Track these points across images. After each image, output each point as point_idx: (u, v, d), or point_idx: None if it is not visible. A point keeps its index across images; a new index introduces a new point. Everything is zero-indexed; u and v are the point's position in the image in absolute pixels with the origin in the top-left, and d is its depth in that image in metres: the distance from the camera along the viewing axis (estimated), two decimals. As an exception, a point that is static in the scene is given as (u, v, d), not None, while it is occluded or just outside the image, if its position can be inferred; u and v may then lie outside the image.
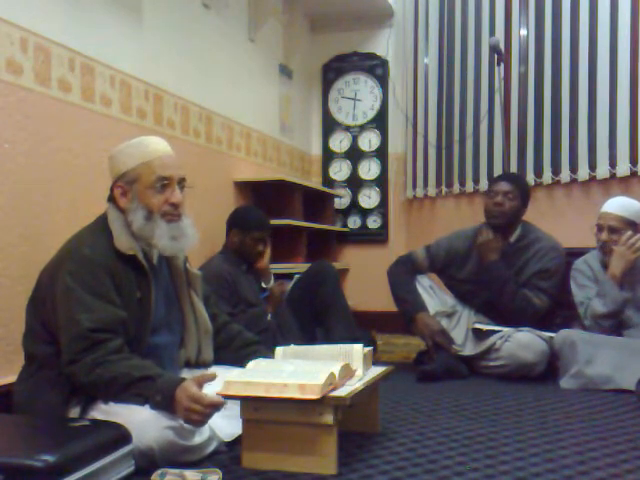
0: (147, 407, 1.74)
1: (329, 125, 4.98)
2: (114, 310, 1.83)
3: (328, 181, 4.96)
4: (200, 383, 1.74)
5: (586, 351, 2.78)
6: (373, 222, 4.87)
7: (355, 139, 4.91)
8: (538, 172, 3.99)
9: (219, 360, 2.20)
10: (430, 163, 4.56)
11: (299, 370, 1.75)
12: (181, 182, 2.01)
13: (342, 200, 4.90)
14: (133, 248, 1.93)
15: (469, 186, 4.31)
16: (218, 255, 3.15)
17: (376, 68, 4.87)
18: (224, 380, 1.74)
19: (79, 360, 1.76)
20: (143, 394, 1.74)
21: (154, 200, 1.95)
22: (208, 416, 1.72)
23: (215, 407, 1.70)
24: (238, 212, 3.24)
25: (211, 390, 1.94)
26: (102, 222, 1.98)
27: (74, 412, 1.81)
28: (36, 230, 2.29)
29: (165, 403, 1.72)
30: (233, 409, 1.86)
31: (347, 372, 1.85)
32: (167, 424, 1.71)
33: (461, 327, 3.17)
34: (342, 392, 1.72)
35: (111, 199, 2.01)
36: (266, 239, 3.19)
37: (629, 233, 2.91)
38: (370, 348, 2.08)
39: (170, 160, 2.00)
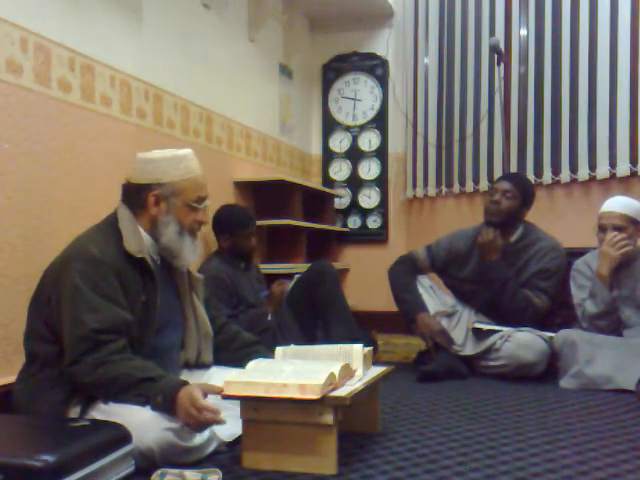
0: (148, 408, 1.74)
1: (329, 125, 4.98)
2: (120, 312, 1.83)
3: (328, 181, 4.96)
4: (205, 392, 1.74)
5: (586, 351, 2.78)
6: (373, 222, 4.87)
7: (355, 139, 4.91)
8: (538, 172, 3.99)
9: (219, 361, 2.20)
10: (430, 163, 4.56)
11: (299, 370, 1.75)
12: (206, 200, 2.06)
13: (342, 200, 4.90)
14: (142, 252, 1.93)
15: (469, 186, 4.31)
16: (215, 256, 3.15)
17: (376, 68, 4.87)
18: (224, 380, 1.74)
19: (81, 361, 1.76)
20: (144, 395, 1.74)
21: (187, 218, 2.00)
22: (207, 424, 1.73)
23: (216, 421, 1.71)
24: (220, 217, 3.23)
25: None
26: (111, 222, 1.97)
27: (74, 412, 1.81)
28: (36, 230, 2.29)
29: (166, 405, 1.72)
30: (233, 409, 1.86)
31: (347, 372, 1.85)
32: (167, 425, 1.71)
33: (461, 327, 3.17)
34: (342, 392, 1.72)
35: (127, 200, 1.99)
36: (255, 232, 3.19)
37: (614, 233, 2.91)
38: (370, 348, 2.08)
39: (204, 179, 2.05)
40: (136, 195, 1.98)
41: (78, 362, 1.76)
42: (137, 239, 1.94)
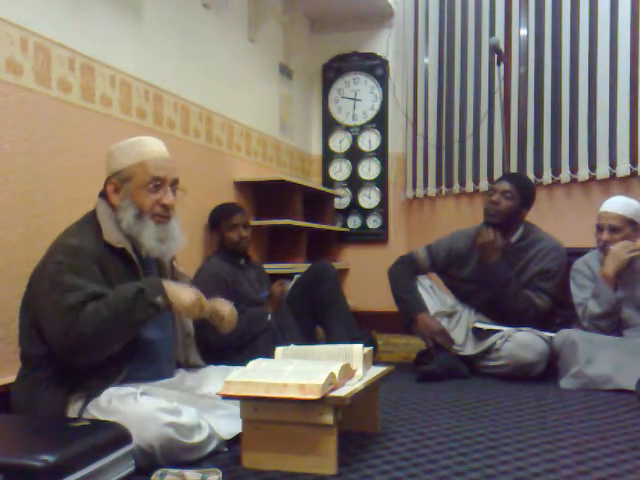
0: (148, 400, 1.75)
1: (329, 125, 4.98)
2: (99, 288, 1.84)
3: (328, 181, 4.96)
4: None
5: (586, 351, 2.78)
6: (373, 222, 4.87)
7: (355, 139, 4.91)
8: (538, 172, 3.98)
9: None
10: (430, 163, 4.56)
11: (299, 370, 1.75)
12: (174, 184, 2.04)
13: (342, 200, 4.90)
14: (122, 242, 1.95)
15: (469, 186, 4.31)
16: (214, 255, 3.15)
17: (376, 68, 4.87)
18: (224, 380, 1.74)
19: (76, 325, 1.76)
20: (146, 305, 1.82)
21: (146, 200, 1.98)
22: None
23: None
24: (210, 214, 3.30)
25: (211, 390, 1.95)
26: (90, 216, 2.01)
27: (74, 409, 1.81)
28: (36, 230, 2.29)
29: (165, 301, 1.85)
30: (233, 409, 1.87)
31: (347, 372, 1.85)
32: (167, 421, 1.71)
33: (461, 327, 3.17)
34: (342, 392, 1.72)
35: (103, 194, 2.02)
36: (244, 223, 3.20)
37: (626, 242, 2.91)
38: (370, 348, 2.08)
39: (164, 162, 2.02)
40: (103, 188, 2.03)
41: (69, 332, 1.76)
42: (116, 230, 1.96)
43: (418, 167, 4.62)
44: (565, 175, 3.88)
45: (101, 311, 1.78)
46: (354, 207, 4.91)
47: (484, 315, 3.21)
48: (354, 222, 4.91)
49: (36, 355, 1.88)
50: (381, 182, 4.86)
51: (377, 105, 4.87)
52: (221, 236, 3.18)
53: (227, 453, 1.84)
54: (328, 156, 4.99)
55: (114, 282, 1.90)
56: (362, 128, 4.90)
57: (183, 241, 2.08)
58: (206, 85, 3.46)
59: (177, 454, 1.72)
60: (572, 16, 3.86)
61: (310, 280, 3.30)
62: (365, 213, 4.89)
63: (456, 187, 4.39)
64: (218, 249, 3.20)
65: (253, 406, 1.73)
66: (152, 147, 2.02)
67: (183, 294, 1.89)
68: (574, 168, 3.85)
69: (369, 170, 4.88)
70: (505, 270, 3.08)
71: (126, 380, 1.86)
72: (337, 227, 4.78)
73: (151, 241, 1.98)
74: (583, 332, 2.90)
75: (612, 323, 2.91)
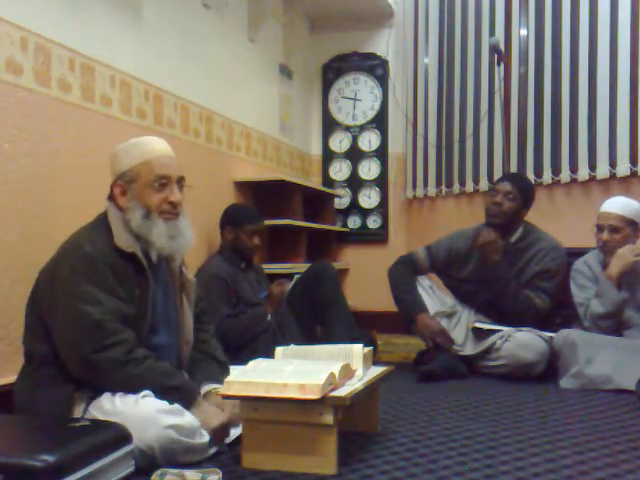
0: (149, 402, 1.77)
1: (329, 125, 4.98)
2: (120, 304, 1.85)
3: (328, 181, 4.96)
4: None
5: (586, 351, 2.78)
6: (373, 222, 4.87)
7: (355, 139, 4.91)
8: (538, 172, 3.98)
9: None
10: (430, 163, 4.56)
11: (299, 370, 1.75)
12: (180, 181, 2.03)
13: (342, 200, 4.90)
14: (132, 246, 1.94)
15: (469, 186, 4.31)
16: (216, 256, 3.14)
17: (376, 68, 4.87)
18: (225, 380, 1.74)
19: (105, 350, 1.78)
20: (168, 398, 1.80)
21: (152, 199, 1.97)
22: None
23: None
24: (228, 210, 3.24)
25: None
26: (102, 220, 2.00)
27: (79, 410, 1.81)
28: (36, 230, 2.29)
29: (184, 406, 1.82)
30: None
31: (347, 372, 1.85)
32: (168, 423, 1.71)
33: (461, 327, 3.17)
34: (342, 392, 1.72)
35: (111, 198, 2.02)
36: (261, 232, 3.18)
37: (633, 246, 2.91)
38: (370, 348, 2.08)
39: (169, 160, 2.02)
40: (110, 191, 2.02)
41: (101, 351, 1.77)
42: (127, 234, 1.95)
43: (418, 167, 4.62)
44: (565, 175, 3.88)
45: (137, 372, 1.80)
46: (354, 207, 4.91)
47: (484, 315, 3.22)
48: (354, 222, 4.91)
49: (40, 353, 1.88)
50: (381, 182, 4.86)
51: (377, 105, 4.87)
52: (234, 237, 3.13)
53: (227, 453, 1.85)
54: (328, 156, 4.99)
55: (125, 287, 1.90)
56: (362, 128, 4.90)
57: (192, 237, 2.07)
58: (206, 85, 3.46)
59: (178, 456, 1.72)
60: (572, 16, 3.86)
61: (310, 280, 3.30)
62: (365, 213, 4.89)
63: (456, 187, 4.39)
64: (223, 248, 3.17)
65: (253, 406, 1.73)
66: (155, 146, 2.02)
67: (210, 420, 1.84)
68: (574, 168, 3.85)
69: (369, 170, 4.88)
70: (506, 270, 3.08)
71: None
72: (337, 227, 4.78)
73: (161, 238, 1.97)
74: (583, 332, 2.90)
75: (614, 323, 2.91)
